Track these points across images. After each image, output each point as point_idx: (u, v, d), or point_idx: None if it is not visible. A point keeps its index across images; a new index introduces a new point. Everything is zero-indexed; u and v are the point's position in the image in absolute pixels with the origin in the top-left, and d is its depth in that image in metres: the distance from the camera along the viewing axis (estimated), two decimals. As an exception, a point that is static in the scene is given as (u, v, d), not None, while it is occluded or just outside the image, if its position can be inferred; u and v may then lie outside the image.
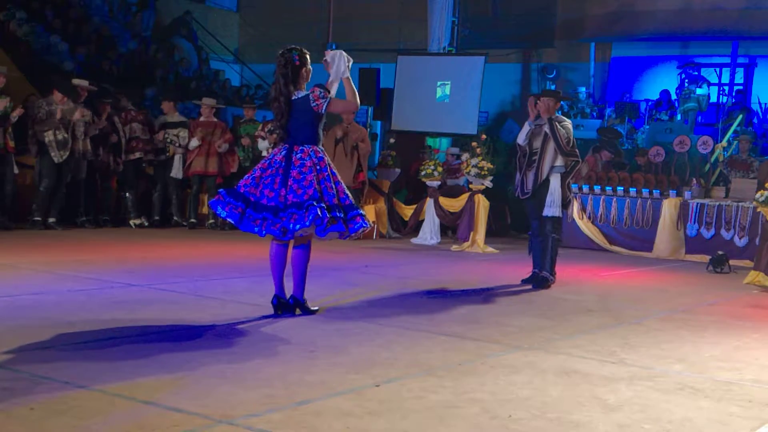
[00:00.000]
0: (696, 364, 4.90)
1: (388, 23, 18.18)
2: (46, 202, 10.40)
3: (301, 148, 5.58)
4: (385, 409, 3.65)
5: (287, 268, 5.72)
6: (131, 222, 11.41)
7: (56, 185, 10.42)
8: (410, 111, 14.51)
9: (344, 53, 5.84)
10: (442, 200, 11.59)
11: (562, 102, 8.64)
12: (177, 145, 11.60)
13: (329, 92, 5.68)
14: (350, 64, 5.83)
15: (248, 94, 17.87)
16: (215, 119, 11.98)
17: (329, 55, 5.83)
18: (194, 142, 11.56)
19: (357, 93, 5.85)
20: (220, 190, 5.70)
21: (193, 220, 11.86)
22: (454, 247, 10.99)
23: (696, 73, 15.01)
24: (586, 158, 11.96)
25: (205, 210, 11.97)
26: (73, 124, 10.38)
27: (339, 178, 5.70)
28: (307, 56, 5.73)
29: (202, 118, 11.86)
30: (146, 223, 11.50)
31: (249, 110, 12.38)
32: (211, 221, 11.76)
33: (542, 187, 7.77)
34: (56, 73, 12.99)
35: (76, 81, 11.02)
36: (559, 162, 7.77)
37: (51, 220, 10.42)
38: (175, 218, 11.83)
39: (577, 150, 7.89)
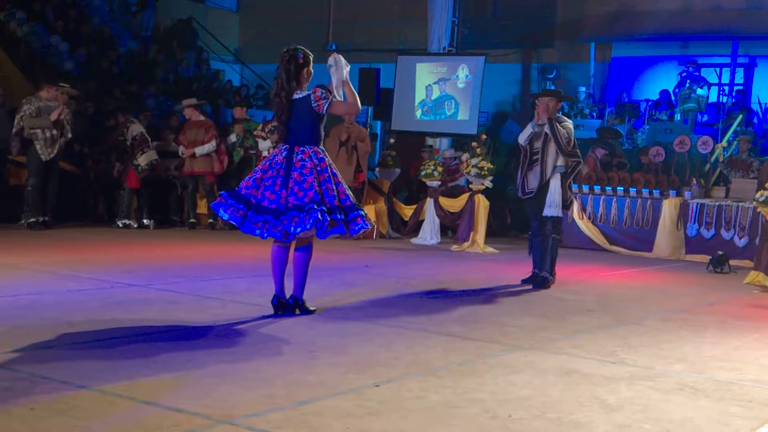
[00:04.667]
0: (696, 364, 4.90)
1: (388, 23, 18.18)
2: (37, 201, 10.35)
3: (302, 149, 5.58)
4: (385, 409, 3.65)
5: (288, 267, 5.72)
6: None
7: (44, 184, 10.39)
8: (410, 111, 14.51)
9: (341, 57, 5.84)
10: (442, 200, 11.58)
11: (562, 102, 8.62)
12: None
13: (330, 93, 5.68)
14: (348, 68, 5.83)
15: (248, 94, 17.88)
16: (202, 118, 11.97)
17: (331, 58, 5.83)
18: (181, 150, 11.76)
19: (357, 95, 5.86)
20: (222, 192, 5.70)
21: (192, 220, 11.87)
22: (454, 247, 10.99)
23: (697, 73, 15.02)
24: (585, 159, 11.95)
25: (199, 210, 11.99)
26: (61, 123, 10.37)
27: (340, 178, 5.70)
28: (311, 58, 5.73)
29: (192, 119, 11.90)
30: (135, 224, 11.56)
31: (238, 110, 12.37)
32: (210, 220, 11.77)
33: (544, 187, 7.76)
34: (56, 73, 13.02)
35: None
36: (560, 162, 7.77)
37: (44, 219, 10.40)
38: (172, 217, 12.03)
39: (578, 150, 7.89)
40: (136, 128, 11.41)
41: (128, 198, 11.53)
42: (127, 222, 11.41)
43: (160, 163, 11.79)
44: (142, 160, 11.31)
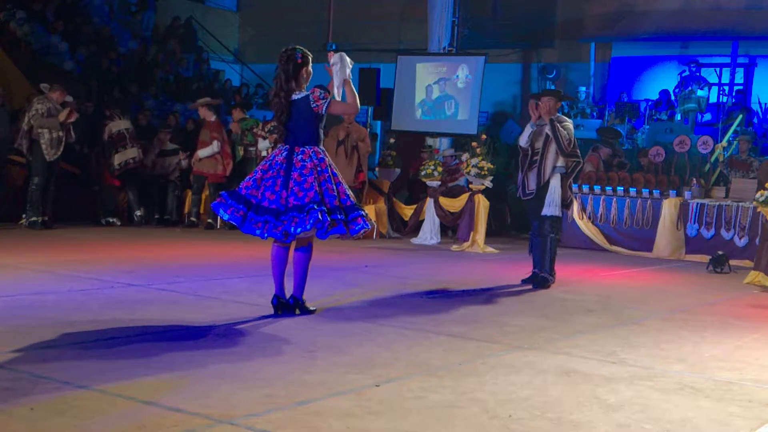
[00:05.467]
0: (696, 364, 4.90)
1: (388, 23, 18.17)
2: (40, 200, 10.37)
3: (302, 149, 5.58)
4: (385, 409, 3.65)
5: (288, 267, 5.72)
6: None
7: (46, 183, 10.41)
8: (410, 111, 14.51)
9: (345, 56, 5.84)
10: (442, 200, 11.58)
11: (562, 102, 8.63)
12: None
13: (329, 93, 5.68)
14: (351, 66, 5.84)
15: (248, 94, 17.87)
16: (213, 118, 11.97)
17: (335, 57, 5.83)
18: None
19: (357, 95, 5.86)
20: (222, 192, 5.71)
21: (192, 219, 11.87)
22: (454, 247, 10.99)
23: (698, 73, 15.02)
24: (587, 158, 11.96)
25: (199, 210, 12.01)
26: (67, 126, 10.41)
27: (340, 178, 5.69)
28: (310, 58, 5.73)
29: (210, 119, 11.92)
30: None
31: (236, 112, 12.36)
32: (209, 220, 11.77)
33: (543, 187, 7.76)
34: (56, 73, 13.02)
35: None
36: (560, 162, 7.77)
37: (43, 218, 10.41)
38: (166, 216, 12.02)
39: (578, 150, 7.89)
40: (116, 125, 11.36)
41: (109, 196, 11.55)
42: (111, 220, 11.44)
43: (159, 162, 11.78)
44: (116, 160, 11.30)
